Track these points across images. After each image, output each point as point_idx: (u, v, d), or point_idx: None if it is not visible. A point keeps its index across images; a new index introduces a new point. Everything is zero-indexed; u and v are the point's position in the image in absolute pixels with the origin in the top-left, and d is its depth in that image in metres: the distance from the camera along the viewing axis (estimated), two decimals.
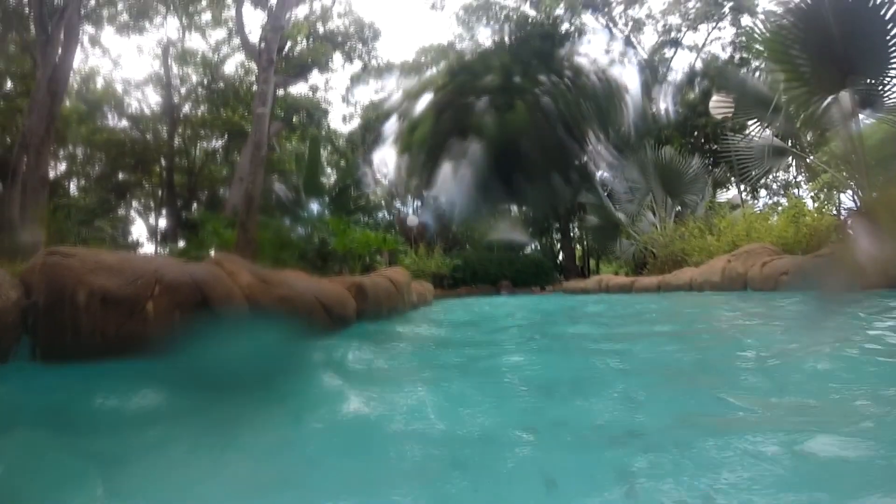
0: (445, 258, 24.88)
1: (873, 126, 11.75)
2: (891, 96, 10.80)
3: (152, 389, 2.56)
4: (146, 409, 2.36)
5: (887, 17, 9.79)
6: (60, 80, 14.69)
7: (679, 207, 19.87)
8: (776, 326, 4.98)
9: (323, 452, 1.86)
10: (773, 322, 5.22)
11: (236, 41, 26.97)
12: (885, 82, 10.64)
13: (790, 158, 13.68)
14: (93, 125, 28.28)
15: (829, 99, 11.47)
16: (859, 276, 5.74)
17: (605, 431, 1.95)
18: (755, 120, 13.48)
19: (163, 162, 30.13)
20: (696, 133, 28.80)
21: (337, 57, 28.75)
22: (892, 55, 10.18)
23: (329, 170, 30.21)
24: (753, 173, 13.84)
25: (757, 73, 15.07)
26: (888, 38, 10.04)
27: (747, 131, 14.54)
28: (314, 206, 17.78)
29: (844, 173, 12.41)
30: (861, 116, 11.40)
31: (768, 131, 13.68)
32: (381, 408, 2.28)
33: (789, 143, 13.43)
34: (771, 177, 27.59)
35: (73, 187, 32.19)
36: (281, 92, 26.68)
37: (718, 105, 15.94)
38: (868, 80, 10.73)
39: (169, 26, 28.77)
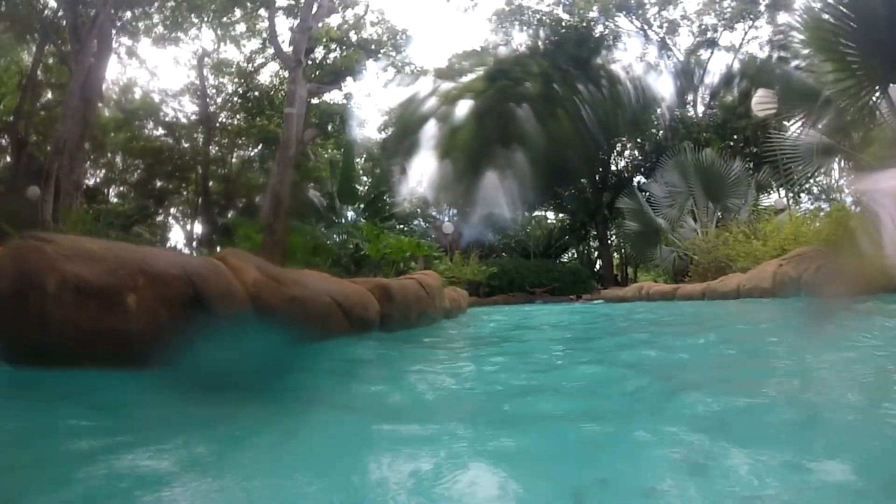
0: (482, 265, 24.41)
1: None
2: None
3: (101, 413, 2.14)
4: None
5: None
6: (93, 87, 14.62)
7: (720, 213, 19.13)
8: None
9: None
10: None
11: (270, 50, 26.93)
12: None
13: (838, 157, 12.87)
14: (130, 133, 28.40)
15: (877, 91, 10.86)
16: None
17: None
18: (801, 116, 12.80)
19: (199, 170, 30.15)
20: (735, 136, 28.03)
21: (371, 65, 28.58)
22: None
23: (365, 177, 29.99)
24: (799, 174, 13.17)
25: (799, 68, 14.32)
26: None
27: (793, 129, 13.84)
28: (349, 213, 17.59)
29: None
30: None
31: (815, 129, 13.00)
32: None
33: (837, 141, 12.71)
34: (813, 181, 26.72)
35: (112, 194, 32.62)
36: (315, 100, 26.50)
37: (761, 102, 15.21)
38: None
39: (204, 38, 28.89)
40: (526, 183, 26.63)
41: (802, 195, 27.15)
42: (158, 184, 32.19)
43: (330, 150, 28.74)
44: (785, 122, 14.09)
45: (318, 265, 10.77)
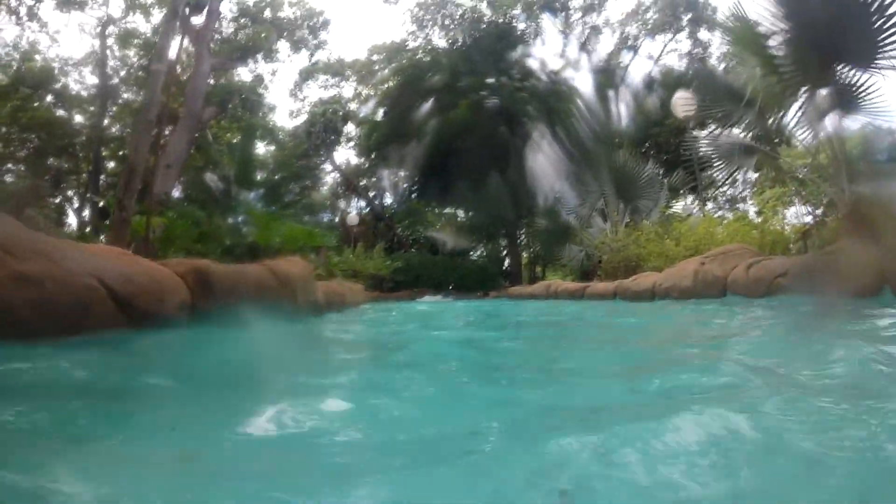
0: (386, 259, 23.20)
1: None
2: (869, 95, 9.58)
3: None
4: None
5: None
6: None
7: (629, 214, 18.44)
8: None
9: None
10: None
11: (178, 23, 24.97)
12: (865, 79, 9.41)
13: (756, 158, 12.15)
14: (18, 102, 25.71)
15: (803, 92, 10.23)
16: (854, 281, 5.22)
17: None
18: (723, 115, 12.05)
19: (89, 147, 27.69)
20: (647, 143, 27.58)
21: (283, 46, 27.06)
22: (884, 40, 8.83)
23: (271, 163, 28.40)
24: (718, 173, 12.43)
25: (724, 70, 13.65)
26: (880, 18, 8.71)
27: (713, 130, 13.14)
28: (250, 200, 16.27)
29: (818, 176, 11.14)
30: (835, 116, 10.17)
31: (735, 130, 12.31)
32: None
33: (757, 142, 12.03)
34: (718, 190, 26.57)
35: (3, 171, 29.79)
36: (221, 80, 24.78)
37: (681, 102, 14.49)
38: (853, 70, 9.42)
39: (112, 5, 26.69)
40: (424, 175, 25.88)
41: (709, 203, 26.94)
42: (53, 162, 29.44)
43: (233, 134, 26.88)
44: (703, 128, 13.35)
45: (204, 253, 9.95)
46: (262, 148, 32.05)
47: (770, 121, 11.48)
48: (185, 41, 22.60)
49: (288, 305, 5.62)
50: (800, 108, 10.69)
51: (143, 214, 9.74)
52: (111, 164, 29.47)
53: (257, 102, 24.89)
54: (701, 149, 12.98)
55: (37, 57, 28.00)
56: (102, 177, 28.29)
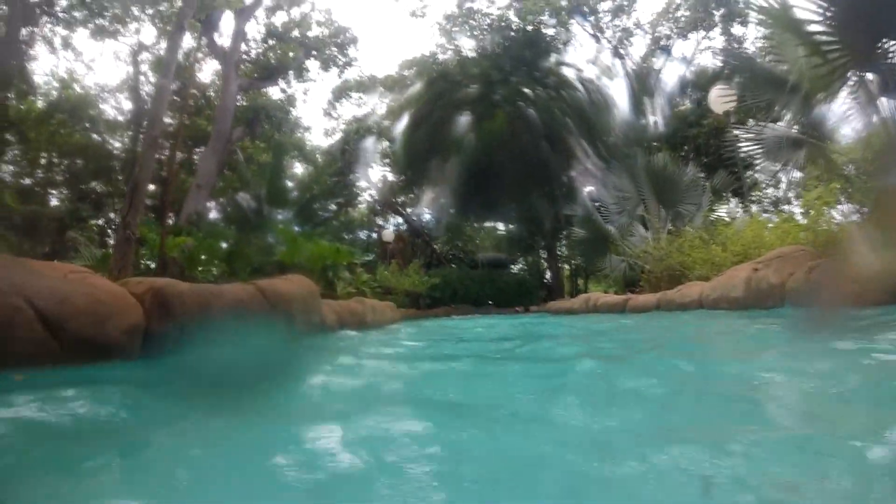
0: (423, 276, 22.42)
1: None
2: None
3: None
4: None
5: None
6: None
7: (671, 220, 17.34)
8: None
9: None
10: None
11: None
12: None
13: (805, 150, 10.99)
14: (54, 127, 25.62)
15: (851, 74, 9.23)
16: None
17: None
18: (767, 105, 11.00)
19: (127, 171, 27.55)
20: (685, 146, 26.40)
21: (313, 65, 26.53)
22: None
23: (304, 182, 27.87)
24: (764, 170, 11.32)
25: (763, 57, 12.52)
26: None
27: (755, 123, 12.07)
28: (284, 219, 15.87)
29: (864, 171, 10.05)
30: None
31: (780, 123, 11.26)
32: None
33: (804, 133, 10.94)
34: (762, 191, 25.21)
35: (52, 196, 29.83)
36: (245, 102, 24.32)
37: (720, 97, 13.40)
38: None
39: (145, 32, 26.66)
40: (463, 189, 24.97)
41: (753, 205, 25.66)
42: (94, 186, 29.43)
43: (267, 154, 26.43)
44: (744, 123, 12.26)
45: (231, 273, 10.08)
46: (298, 168, 31.78)
47: (816, 109, 10.44)
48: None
49: (282, 326, 4.84)
50: (850, 92, 9.68)
51: (175, 234, 9.65)
52: (151, 187, 29.28)
53: (285, 120, 24.37)
54: (743, 146, 11.87)
55: (75, 85, 27.99)
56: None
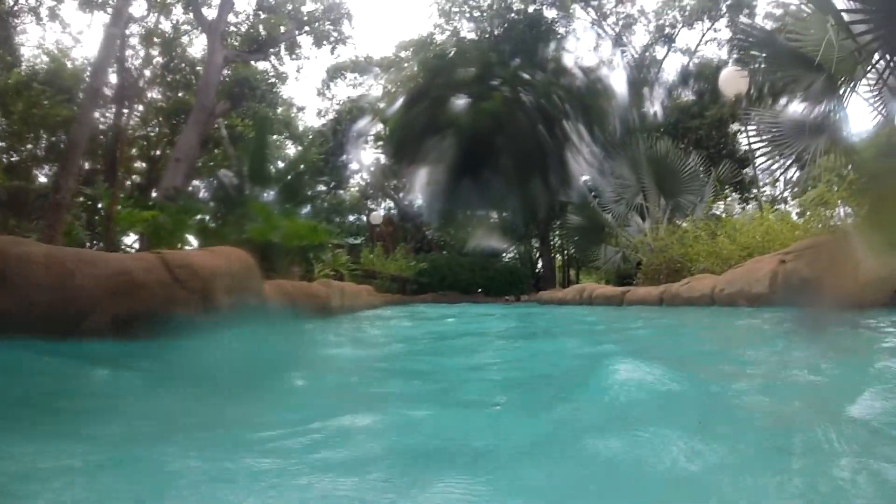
0: (410, 260, 21.38)
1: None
2: None
3: None
4: None
5: None
6: None
7: (670, 211, 16.29)
8: None
9: None
10: None
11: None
12: None
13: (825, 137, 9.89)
14: (32, 98, 24.27)
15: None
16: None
17: None
18: (790, 82, 9.89)
19: (111, 147, 26.39)
20: (686, 138, 25.35)
21: (306, 41, 25.32)
22: None
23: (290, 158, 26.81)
24: (780, 156, 10.20)
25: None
26: None
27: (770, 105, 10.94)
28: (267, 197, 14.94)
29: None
30: None
31: (800, 106, 10.17)
32: None
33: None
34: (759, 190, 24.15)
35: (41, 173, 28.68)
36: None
37: (731, 78, 12.25)
38: None
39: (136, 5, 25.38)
40: (456, 171, 23.79)
41: (749, 203, 24.66)
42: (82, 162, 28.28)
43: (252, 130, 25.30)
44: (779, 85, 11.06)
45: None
46: (289, 147, 30.76)
47: (843, 91, 9.41)
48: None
49: (194, 309, 3.77)
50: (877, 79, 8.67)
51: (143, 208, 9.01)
52: (139, 164, 28.35)
53: (268, 93, 23.10)
54: (755, 130, 10.75)
55: (66, 61, 26.80)
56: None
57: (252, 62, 22.83)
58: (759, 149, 11.04)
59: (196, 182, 22.87)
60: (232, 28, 23.16)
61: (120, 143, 11.82)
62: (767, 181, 17.81)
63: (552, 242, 29.88)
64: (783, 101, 10.51)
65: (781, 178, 17.92)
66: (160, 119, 28.02)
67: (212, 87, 19.40)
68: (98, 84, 7.93)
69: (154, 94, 28.13)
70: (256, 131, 16.78)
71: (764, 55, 10.53)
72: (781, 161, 10.09)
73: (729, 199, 18.55)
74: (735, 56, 24.12)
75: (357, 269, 15.99)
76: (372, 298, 12.01)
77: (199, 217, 11.31)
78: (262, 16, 23.54)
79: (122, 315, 3.43)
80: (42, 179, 26.48)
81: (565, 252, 31.39)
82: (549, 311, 12.68)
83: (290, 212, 12.89)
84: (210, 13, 21.04)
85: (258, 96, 21.42)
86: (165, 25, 26.46)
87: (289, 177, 16.54)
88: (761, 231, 9.98)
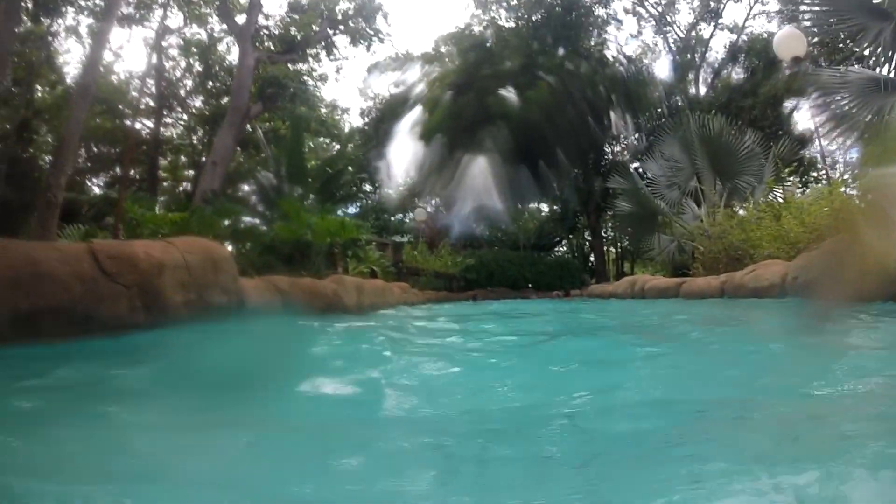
0: (457, 256, 20.50)
1: None
2: None
3: None
4: None
5: None
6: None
7: (726, 196, 14.97)
8: None
9: None
10: None
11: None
12: None
13: None
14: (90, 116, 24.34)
15: None
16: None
17: None
18: (857, 32, 8.64)
19: (152, 155, 26.28)
20: (739, 118, 23.87)
21: (342, 42, 24.65)
22: None
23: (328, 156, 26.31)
24: (847, 120, 8.89)
25: None
26: None
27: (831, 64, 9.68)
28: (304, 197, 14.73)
29: None
30: None
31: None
32: None
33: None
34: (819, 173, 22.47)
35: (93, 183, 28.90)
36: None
37: (787, 41, 10.88)
38: None
39: (172, 18, 25.20)
40: (506, 160, 22.89)
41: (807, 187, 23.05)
42: (124, 171, 28.29)
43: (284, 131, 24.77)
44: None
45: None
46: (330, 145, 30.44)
47: None
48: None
49: (128, 307, 2.95)
50: None
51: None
52: (188, 172, 28.82)
53: (301, 91, 22.40)
54: (820, 96, 9.46)
55: (112, 77, 26.76)
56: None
57: (289, 64, 22.19)
58: (824, 115, 9.80)
59: (245, 186, 22.59)
60: (264, 32, 22.64)
61: (129, 142, 11.65)
62: (828, 161, 16.35)
63: (605, 234, 28.61)
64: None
65: (841, 160, 16.39)
66: (204, 126, 27.86)
67: (245, 89, 18.97)
68: (88, 81, 7.25)
69: (197, 103, 28.05)
70: (292, 131, 16.39)
71: (823, 7, 9.29)
72: (852, 128, 8.85)
73: (789, 182, 16.98)
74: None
75: (399, 265, 15.36)
76: (407, 295, 11.20)
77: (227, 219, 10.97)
78: (294, 17, 22.90)
79: (22, 311, 2.74)
80: (96, 190, 26.65)
81: (618, 244, 30.11)
82: (599, 307, 11.63)
83: (328, 210, 12.32)
84: (242, 19, 20.53)
85: (289, 96, 20.79)
86: (202, 35, 26.32)
87: (327, 175, 15.99)
88: (833, 209, 8.67)
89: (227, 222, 10.94)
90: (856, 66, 9.28)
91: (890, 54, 8.77)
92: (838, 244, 5.11)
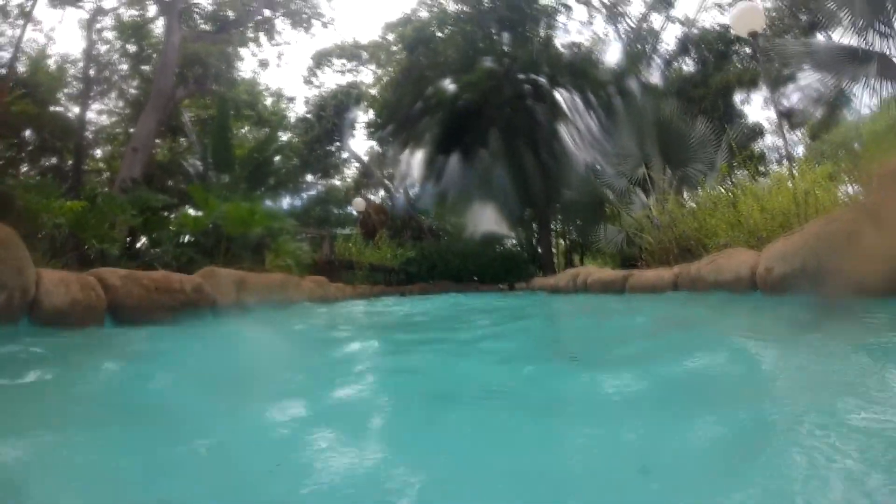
0: (397, 249, 19.13)
1: None
2: None
3: None
4: None
5: None
6: None
7: (676, 184, 13.89)
8: None
9: None
10: None
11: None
12: None
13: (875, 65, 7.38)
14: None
15: None
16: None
17: None
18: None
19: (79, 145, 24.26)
20: (690, 110, 22.99)
21: (284, 26, 23.14)
22: None
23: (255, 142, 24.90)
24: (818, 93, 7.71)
25: None
26: None
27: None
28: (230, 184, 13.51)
29: None
30: None
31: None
32: None
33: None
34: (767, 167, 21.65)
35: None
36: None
37: (744, 15, 9.66)
38: None
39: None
40: (440, 148, 21.70)
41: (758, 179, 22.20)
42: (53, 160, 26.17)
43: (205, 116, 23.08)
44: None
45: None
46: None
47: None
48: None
49: None
50: None
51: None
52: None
53: (226, 72, 20.71)
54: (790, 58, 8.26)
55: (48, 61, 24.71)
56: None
57: (220, 44, 20.47)
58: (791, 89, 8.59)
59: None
60: (195, 9, 20.90)
61: None
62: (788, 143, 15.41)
63: (553, 226, 27.40)
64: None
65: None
66: (137, 112, 26.01)
67: (169, 68, 17.25)
68: None
69: (132, 88, 26.13)
70: (217, 114, 14.96)
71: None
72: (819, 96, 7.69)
73: (744, 171, 15.95)
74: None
75: (330, 258, 14.06)
76: (323, 291, 9.76)
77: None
78: None
79: None
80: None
81: (567, 236, 28.99)
82: (535, 302, 10.42)
83: (255, 199, 11.08)
84: None
85: (212, 77, 19.08)
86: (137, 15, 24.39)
87: (255, 162, 14.59)
88: (799, 194, 7.39)
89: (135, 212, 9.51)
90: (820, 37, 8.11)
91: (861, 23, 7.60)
92: (828, 227, 3.82)
